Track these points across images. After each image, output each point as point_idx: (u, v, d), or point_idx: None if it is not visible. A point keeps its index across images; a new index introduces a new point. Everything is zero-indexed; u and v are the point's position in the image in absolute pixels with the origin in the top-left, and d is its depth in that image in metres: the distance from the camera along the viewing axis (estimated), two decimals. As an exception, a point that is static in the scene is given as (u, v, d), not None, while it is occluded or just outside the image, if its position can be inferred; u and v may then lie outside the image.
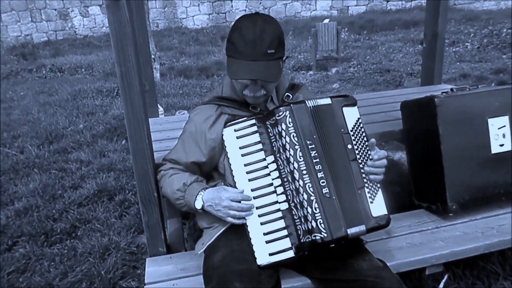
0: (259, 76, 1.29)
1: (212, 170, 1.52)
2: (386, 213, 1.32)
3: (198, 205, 1.40)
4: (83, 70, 8.69)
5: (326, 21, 8.00)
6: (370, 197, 1.32)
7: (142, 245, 2.65)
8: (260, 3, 14.09)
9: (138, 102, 1.44)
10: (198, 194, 1.40)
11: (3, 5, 11.38)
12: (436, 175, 1.69)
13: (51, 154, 4.08)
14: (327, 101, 1.36)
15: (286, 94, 1.53)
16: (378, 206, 1.32)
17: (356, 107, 1.38)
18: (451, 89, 1.85)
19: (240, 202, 1.33)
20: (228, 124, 1.42)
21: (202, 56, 9.38)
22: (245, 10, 13.68)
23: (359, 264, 1.32)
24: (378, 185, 1.35)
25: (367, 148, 1.35)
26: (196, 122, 1.46)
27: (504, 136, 1.73)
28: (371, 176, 1.33)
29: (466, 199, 1.73)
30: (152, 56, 6.62)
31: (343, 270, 1.32)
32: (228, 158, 1.39)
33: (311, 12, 14.77)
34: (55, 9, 12.24)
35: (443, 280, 1.78)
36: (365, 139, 1.35)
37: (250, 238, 1.34)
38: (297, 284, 1.41)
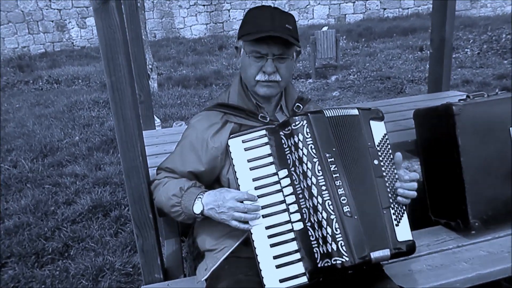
0: (282, 34, 1.23)
1: (212, 183, 1.39)
2: (411, 238, 1.19)
3: (197, 209, 1.25)
4: (80, 81, 8.59)
5: (325, 29, 7.93)
6: (395, 219, 1.18)
7: (138, 265, 2.51)
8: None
9: (131, 115, 1.31)
10: (197, 197, 1.26)
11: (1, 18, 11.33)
12: (456, 190, 1.56)
13: (45, 168, 3.95)
14: (355, 112, 1.24)
15: (297, 104, 1.42)
16: (403, 230, 1.18)
17: (383, 122, 1.26)
18: (467, 96, 1.72)
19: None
20: (236, 134, 1.29)
21: (200, 66, 9.30)
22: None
23: (380, 293, 1.18)
24: (404, 207, 1.22)
25: (393, 166, 1.23)
26: (198, 128, 1.34)
27: (527, 146, 1.61)
28: (399, 198, 1.20)
29: (489, 215, 1.59)
30: (150, 66, 6.53)
31: (361, 299, 1.18)
32: (235, 172, 1.25)
33: (308, 20, 14.78)
34: (52, 21, 12.18)
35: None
36: (391, 156, 1.23)
37: (259, 262, 1.20)
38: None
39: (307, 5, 14.16)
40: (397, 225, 1.18)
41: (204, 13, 13.26)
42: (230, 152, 1.27)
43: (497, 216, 1.62)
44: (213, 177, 1.37)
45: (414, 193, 1.22)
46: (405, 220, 1.20)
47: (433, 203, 1.75)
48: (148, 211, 1.42)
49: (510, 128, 1.60)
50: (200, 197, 1.26)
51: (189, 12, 13.22)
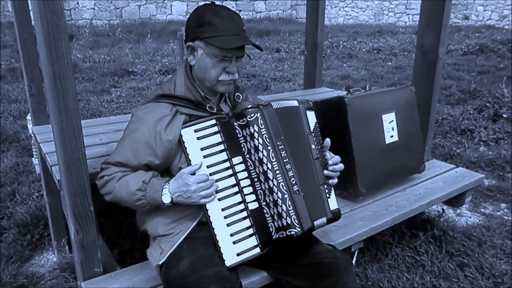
0: (247, 41, 1.33)
1: (163, 172, 1.43)
2: (338, 207, 1.47)
3: (167, 199, 1.31)
4: None
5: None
6: (327, 193, 1.44)
7: (32, 274, 2.28)
8: (111, 2, 13.31)
9: (74, 106, 1.27)
10: (163, 188, 1.31)
11: None
12: (349, 165, 1.94)
13: None
14: (295, 103, 1.43)
15: (236, 94, 1.54)
16: (332, 201, 1.46)
17: (313, 111, 1.49)
18: (348, 91, 2.15)
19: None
20: (187, 124, 1.36)
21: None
22: (93, 9, 12.76)
23: (315, 249, 1.44)
24: (331, 186, 1.48)
25: (323, 149, 1.48)
26: (148, 121, 1.34)
27: (393, 129, 2.11)
28: (330, 180, 1.46)
29: (372, 183, 2.04)
30: None
31: (301, 255, 1.42)
32: (190, 160, 1.34)
33: (166, 16, 14.63)
34: None
35: (355, 255, 2.06)
36: (321, 141, 1.47)
37: (218, 241, 1.33)
38: (256, 279, 1.45)
39: (164, 0, 14.01)
40: (328, 197, 1.45)
41: None
42: (184, 142, 1.34)
43: (377, 183, 2.08)
44: (166, 168, 1.41)
45: (337, 173, 1.49)
46: (333, 193, 1.48)
47: (328, 178, 2.12)
48: (90, 204, 1.39)
49: (382, 115, 2.07)
50: (166, 187, 1.32)
51: None
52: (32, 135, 2.41)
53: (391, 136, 2.10)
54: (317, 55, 3.18)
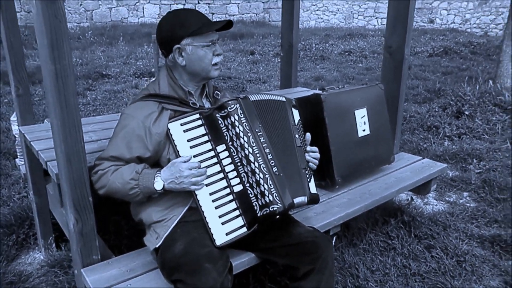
0: (226, 21, 1.48)
1: (152, 166, 1.54)
2: (317, 192, 1.63)
3: (159, 186, 1.42)
4: None
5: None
6: (308, 177, 1.60)
7: (19, 273, 2.32)
8: (81, 4, 13.14)
9: (74, 102, 1.37)
10: (155, 176, 1.43)
11: None
12: (325, 156, 2.11)
13: None
14: (282, 99, 1.62)
15: (215, 92, 1.69)
16: (312, 186, 1.62)
17: (298, 110, 1.67)
18: (323, 89, 2.31)
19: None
20: (174, 119, 1.48)
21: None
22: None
23: (297, 230, 1.59)
24: (312, 171, 1.65)
25: (305, 142, 1.65)
26: (138, 117, 1.47)
27: (365, 123, 2.29)
28: (310, 164, 1.63)
29: (347, 173, 2.21)
30: None
31: (285, 236, 1.56)
32: (178, 151, 1.46)
33: (139, 18, 14.55)
34: None
35: (333, 240, 2.22)
36: (303, 135, 1.65)
37: (207, 223, 1.45)
38: (244, 259, 1.59)
39: (136, 3, 13.94)
40: (309, 182, 1.61)
41: None
42: (171, 135, 1.48)
43: (352, 173, 2.25)
44: (156, 160, 1.53)
45: (317, 161, 1.66)
46: (312, 179, 1.64)
47: (307, 170, 2.28)
48: (88, 194, 1.48)
49: (355, 110, 2.25)
50: (159, 175, 1.43)
51: None
52: (18, 135, 2.45)
53: (363, 130, 2.28)
54: (293, 56, 3.34)
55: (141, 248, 1.64)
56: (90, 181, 1.49)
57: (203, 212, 1.46)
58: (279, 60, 9.06)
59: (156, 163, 1.55)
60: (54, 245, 2.49)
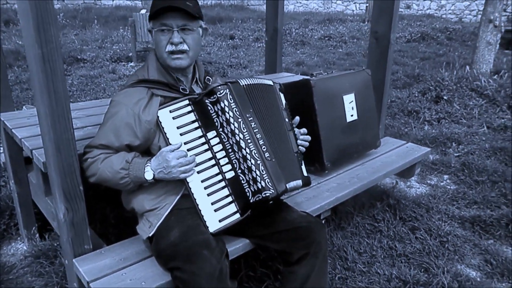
0: (179, 4, 1.37)
1: (143, 153, 1.51)
2: (307, 175, 1.64)
3: (149, 176, 1.40)
4: None
5: (143, 11, 7.87)
6: (300, 161, 1.60)
7: (2, 264, 2.25)
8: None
9: (63, 87, 1.31)
10: (145, 165, 1.40)
11: None
12: (315, 142, 2.11)
13: None
14: (270, 82, 1.59)
15: (207, 77, 1.66)
16: (304, 169, 1.62)
17: (283, 94, 1.64)
18: (312, 74, 2.31)
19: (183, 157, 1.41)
20: (163, 106, 1.45)
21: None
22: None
23: (291, 216, 1.59)
24: (301, 154, 1.65)
25: (294, 125, 1.64)
26: (127, 104, 1.43)
27: (353, 108, 2.30)
28: (300, 147, 1.63)
29: (336, 158, 2.23)
30: None
31: (279, 222, 1.57)
32: (168, 139, 1.43)
33: (113, 1, 14.11)
34: None
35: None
36: (291, 117, 1.63)
37: (200, 210, 1.44)
38: (239, 246, 1.59)
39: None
40: (301, 165, 1.61)
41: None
42: (161, 122, 1.44)
43: (340, 158, 2.27)
44: (145, 148, 1.50)
45: (307, 144, 1.67)
46: (303, 162, 1.64)
47: (295, 155, 2.29)
48: (79, 183, 1.44)
49: (343, 96, 2.26)
50: (149, 165, 1.41)
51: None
52: (-5, 123, 2.35)
53: (351, 115, 2.30)
54: (278, 41, 3.31)
55: (133, 237, 1.62)
56: (80, 169, 1.45)
57: (195, 199, 1.44)
58: (259, 45, 8.99)
59: (147, 150, 1.51)
60: (37, 235, 2.43)
